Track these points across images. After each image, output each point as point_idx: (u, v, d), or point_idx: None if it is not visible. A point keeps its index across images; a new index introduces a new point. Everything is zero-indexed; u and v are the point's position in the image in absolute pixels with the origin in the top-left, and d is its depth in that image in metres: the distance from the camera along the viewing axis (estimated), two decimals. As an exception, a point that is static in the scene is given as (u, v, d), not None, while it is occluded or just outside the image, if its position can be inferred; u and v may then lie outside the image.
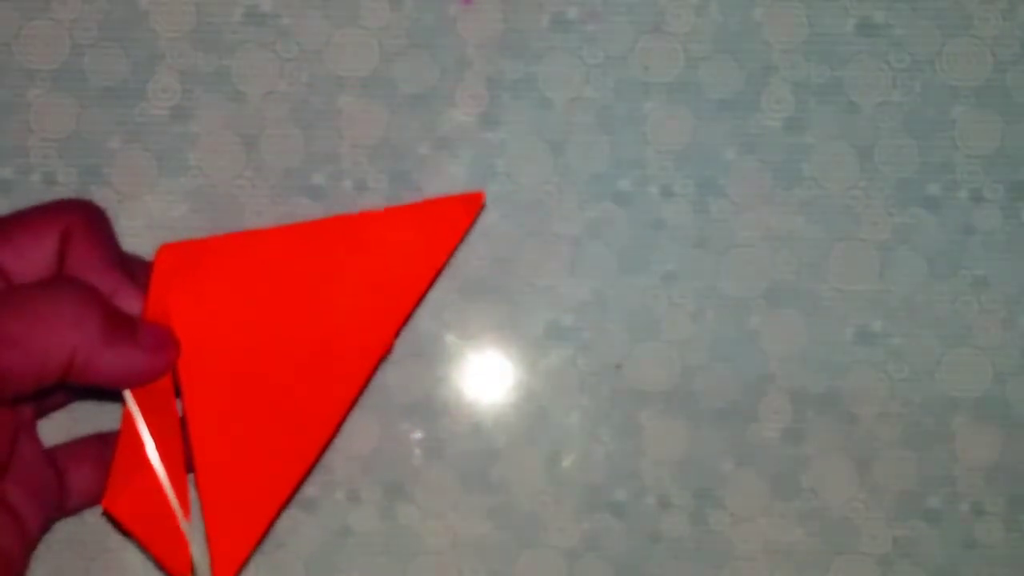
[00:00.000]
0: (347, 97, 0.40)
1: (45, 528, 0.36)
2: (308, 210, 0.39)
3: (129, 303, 0.35)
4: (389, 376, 0.39)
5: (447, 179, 0.39)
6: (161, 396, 0.35)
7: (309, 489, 0.39)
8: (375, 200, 0.39)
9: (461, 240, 0.37)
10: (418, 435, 0.39)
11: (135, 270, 0.36)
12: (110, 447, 0.36)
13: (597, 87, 0.40)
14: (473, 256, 0.39)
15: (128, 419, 0.35)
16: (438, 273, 0.36)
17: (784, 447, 0.39)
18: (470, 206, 0.36)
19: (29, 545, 0.35)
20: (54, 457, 0.36)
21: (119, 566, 0.39)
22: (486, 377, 0.39)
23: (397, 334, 0.36)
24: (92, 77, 0.39)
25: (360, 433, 0.39)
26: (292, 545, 0.39)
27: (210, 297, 0.35)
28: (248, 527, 0.35)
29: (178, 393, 0.35)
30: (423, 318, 0.39)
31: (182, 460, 0.35)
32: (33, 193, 0.39)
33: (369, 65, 0.40)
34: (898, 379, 0.39)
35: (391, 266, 0.36)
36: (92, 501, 0.37)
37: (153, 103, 0.39)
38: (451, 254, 0.37)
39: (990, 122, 0.40)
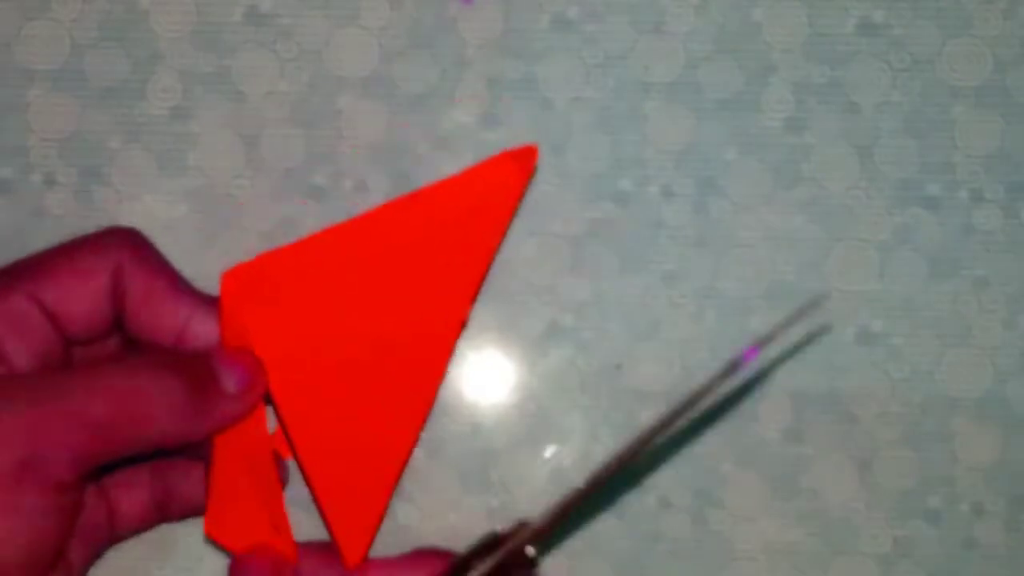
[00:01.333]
0: (347, 97, 0.40)
1: (92, 560, 0.35)
2: (308, 210, 0.39)
3: (206, 328, 0.34)
4: (389, 376, 0.39)
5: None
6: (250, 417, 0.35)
7: (308, 489, 0.39)
8: (375, 200, 0.39)
9: (521, 197, 0.36)
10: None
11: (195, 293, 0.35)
12: (155, 469, 0.36)
13: (597, 87, 0.40)
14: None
15: (220, 443, 0.35)
16: (503, 236, 0.36)
17: (784, 447, 0.39)
18: (525, 161, 0.35)
19: None
20: (104, 487, 0.36)
21: (121, 566, 0.39)
22: (486, 377, 0.39)
23: (472, 303, 0.36)
24: (92, 77, 0.39)
25: (360, 433, 0.39)
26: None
27: (284, 308, 0.35)
28: (367, 514, 0.35)
29: (268, 401, 0.35)
30: (423, 318, 0.39)
31: (276, 476, 0.35)
32: (33, 193, 0.39)
33: (369, 65, 0.40)
34: (898, 379, 0.39)
35: (455, 237, 0.35)
36: (144, 527, 0.36)
37: (153, 103, 0.39)
38: (513, 213, 0.36)
39: (990, 122, 0.40)
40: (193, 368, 0.33)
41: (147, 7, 0.40)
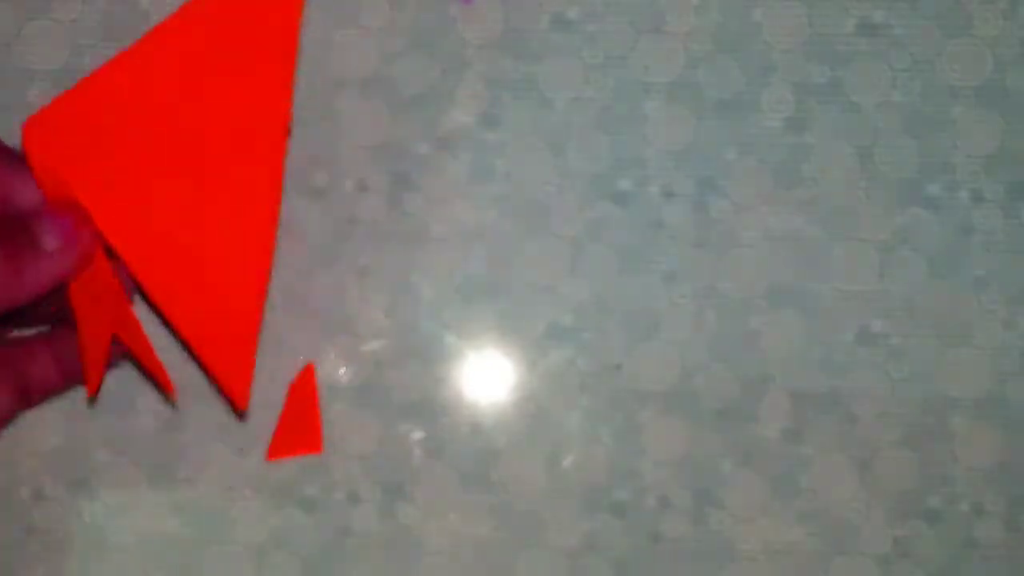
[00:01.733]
0: (347, 97, 0.40)
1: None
2: (308, 211, 0.39)
3: (29, 193, 0.33)
4: (389, 376, 0.39)
5: (447, 179, 0.39)
6: (95, 270, 0.33)
7: (308, 489, 0.39)
8: (376, 200, 0.39)
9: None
10: (418, 435, 0.39)
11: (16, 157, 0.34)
12: (59, 338, 0.36)
13: (597, 87, 0.40)
14: (473, 256, 0.39)
15: (78, 304, 0.34)
16: (299, 24, 0.33)
17: (784, 447, 0.39)
18: None
19: None
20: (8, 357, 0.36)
21: (119, 566, 0.39)
22: (486, 377, 0.39)
23: (290, 103, 0.34)
24: (92, 77, 0.39)
25: (360, 433, 0.39)
26: (292, 545, 0.39)
27: (97, 148, 0.33)
28: (242, 346, 0.34)
29: (109, 253, 0.34)
30: (423, 318, 0.39)
31: (137, 323, 0.34)
32: None
33: (369, 65, 0.40)
34: (898, 379, 0.39)
35: (252, 34, 0.33)
36: (55, 391, 0.37)
37: (153, 103, 0.39)
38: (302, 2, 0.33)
39: (990, 122, 0.40)
40: (7, 232, 0.32)
41: (147, 7, 0.40)
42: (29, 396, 0.36)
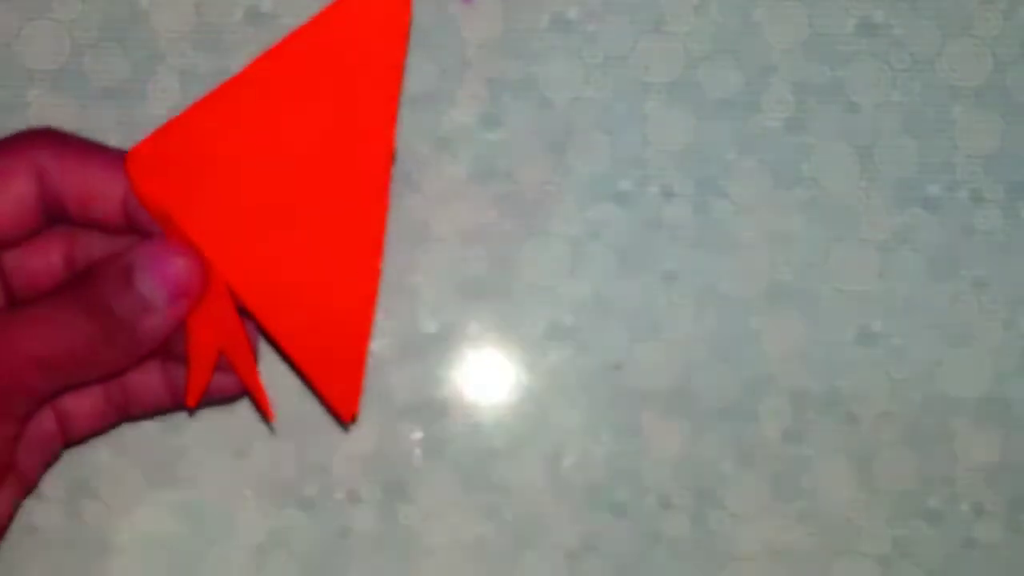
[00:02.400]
0: (347, 97, 0.40)
1: (46, 466, 0.36)
2: (308, 210, 0.39)
3: (112, 195, 0.33)
4: (389, 376, 0.39)
5: (447, 179, 0.39)
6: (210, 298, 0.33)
7: (308, 489, 0.39)
8: (375, 200, 0.39)
9: (410, 10, 0.33)
10: (418, 435, 0.39)
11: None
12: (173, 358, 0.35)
13: (597, 87, 0.40)
14: (473, 256, 0.39)
15: (192, 321, 0.34)
16: (405, 52, 0.33)
17: (784, 447, 0.39)
18: None
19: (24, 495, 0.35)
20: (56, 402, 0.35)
21: (119, 566, 0.39)
22: (486, 377, 0.39)
23: (394, 129, 0.33)
24: (92, 77, 0.39)
25: (360, 433, 0.39)
26: (292, 545, 0.39)
27: (203, 178, 0.33)
28: (350, 364, 0.34)
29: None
30: (423, 318, 0.39)
31: (247, 342, 0.34)
32: None
33: (369, 65, 0.40)
34: (898, 379, 0.39)
35: (356, 64, 0.32)
36: (101, 429, 0.36)
37: (153, 103, 0.39)
38: (408, 28, 0.33)
39: (990, 122, 0.40)
40: (118, 296, 0.32)
41: (147, 7, 0.40)
42: (127, 408, 0.36)
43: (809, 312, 0.39)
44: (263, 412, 0.35)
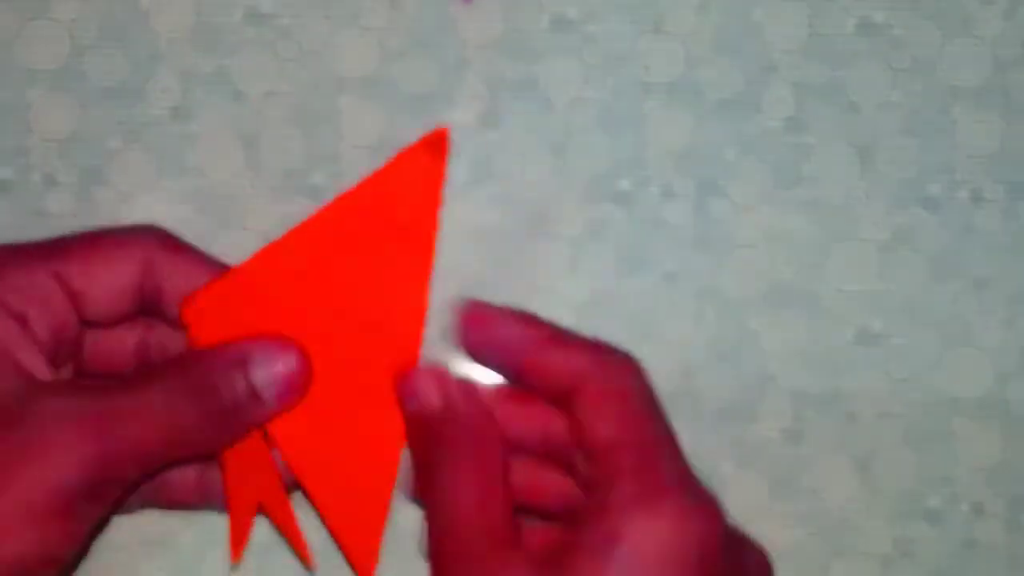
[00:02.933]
0: (347, 97, 0.40)
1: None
2: (308, 210, 0.39)
3: (181, 283, 0.34)
4: (389, 376, 0.39)
5: (447, 179, 0.39)
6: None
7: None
8: (375, 200, 0.39)
9: (444, 180, 0.36)
10: (418, 435, 0.39)
11: None
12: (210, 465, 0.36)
13: (597, 87, 0.40)
14: (473, 256, 0.39)
15: (230, 469, 0.35)
16: (437, 222, 0.35)
17: (784, 447, 0.39)
18: (438, 145, 0.35)
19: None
20: None
21: (119, 566, 0.39)
22: (486, 377, 0.39)
23: (428, 295, 0.36)
24: (92, 77, 0.39)
25: (360, 433, 0.39)
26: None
27: (248, 330, 0.35)
28: (371, 519, 0.36)
29: None
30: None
31: (285, 499, 0.36)
32: (33, 193, 0.39)
33: (369, 65, 0.40)
34: (898, 379, 0.39)
35: (393, 234, 0.35)
36: (191, 505, 0.37)
37: (153, 103, 0.39)
38: (441, 199, 0.35)
39: (990, 122, 0.40)
40: (230, 384, 0.33)
41: (147, 7, 0.40)
42: (155, 498, 0.36)
43: (809, 312, 0.39)
44: (303, 561, 0.37)
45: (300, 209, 0.39)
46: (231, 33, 0.40)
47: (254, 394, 0.33)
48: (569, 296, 0.39)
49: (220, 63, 0.39)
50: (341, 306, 0.35)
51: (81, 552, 0.33)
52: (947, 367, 0.39)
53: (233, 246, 0.39)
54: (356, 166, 0.39)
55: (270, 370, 0.34)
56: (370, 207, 0.35)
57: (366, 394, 0.35)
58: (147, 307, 0.35)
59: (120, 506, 0.35)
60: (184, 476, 0.36)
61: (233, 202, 0.39)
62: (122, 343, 0.36)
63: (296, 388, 0.34)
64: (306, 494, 0.36)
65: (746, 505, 0.39)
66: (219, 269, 0.35)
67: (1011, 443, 0.39)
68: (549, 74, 0.40)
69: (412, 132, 0.39)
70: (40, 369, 0.33)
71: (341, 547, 0.36)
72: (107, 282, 0.34)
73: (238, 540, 0.36)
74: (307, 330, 0.35)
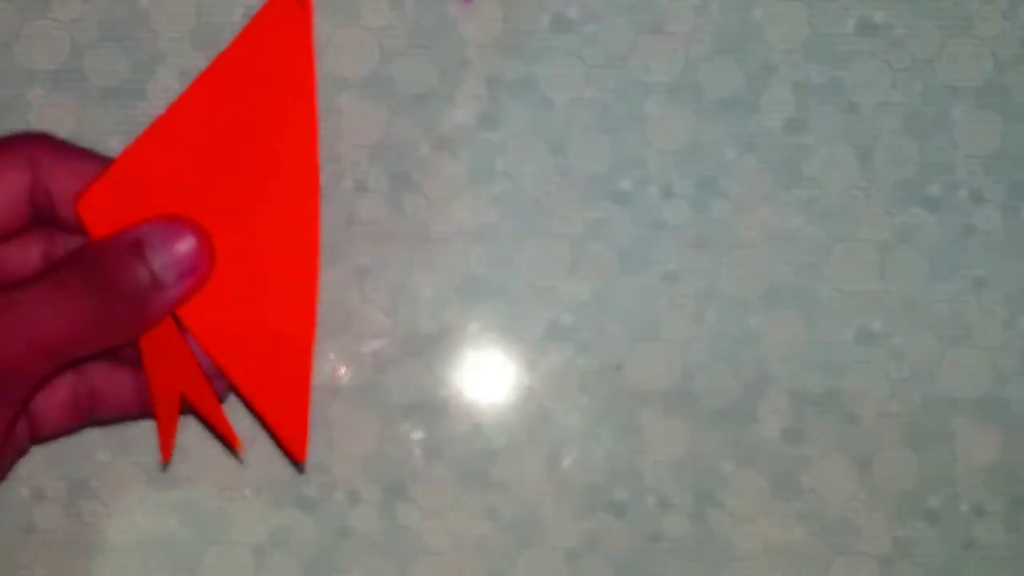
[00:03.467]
0: (347, 97, 0.40)
1: (5, 471, 0.35)
2: (308, 210, 0.39)
3: (64, 181, 0.33)
4: (389, 376, 0.39)
5: (447, 179, 0.39)
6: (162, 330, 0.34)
7: (308, 489, 0.39)
8: (375, 200, 0.39)
9: (311, 24, 0.34)
10: (418, 435, 0.39)
11: None
12: (78, 371, 0.35)
13: (597, 87, 0.40)
14: (473, 256, 0.39)
15: (149, 363, 0.34)
16: (314, 71, 0.34)
17: (784, 447, 0.39)
18: None
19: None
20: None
21: (119, 566, 0.39)
22: (486, 377, 0.39)
23: (316, 150, 0.34)
24: (92, 77, 0.39)
25: (360, 433, 0.39)
26: (292, 545, 0.39)
27: (147, 211, 0.33)
28: (296, 396, 0.34)
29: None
30: (423, 318, 0.39)
31: (205, 382, 0.34)
32: None
33: (369, 65, 0.40)
34: (898, 379, 0.39)
35: (270, 88, 0.33)
36: (67, 430, 0.36)
37: (153, 103, 0.39)
38: (312, 44, 0.33)
39: (990, 122, 0.40)
40: (126, 271, 0.32)
41: (147, 7, 0.40)
42: (93, 410, 0.36)
43: (809, 312, 0.39)
44: (231, 447, 0.35)
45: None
46: (232, 33, 0.39)
47: (154, 279, 0.32)
48: (569, 296, 0.39)
49: (220, 63, 0.39)
50: (233, 176, 0.33)
51: (2, 462, 0.32)
52: (947, 367, 0.40)
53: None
54: (356, 166, 0.39)
55: (168, 253, 0.32)
56: (242, 66, 0.33)
57: (272, 264, 0.33)
58: (41, 215, 0.34)
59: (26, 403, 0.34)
60: (121, 388, 0.35)
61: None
62: (26, 255, 0.35)
63: (197, 269, 0.33)
64: (227, 377, 0.34)
65: (746, 505, 0.39)
66: (107, 162, 0.34)
67: (1011, 443, 0.39)
68: (549, 74, 0.40)
69: (412, 132, 0.39)
70: None
71: (269, 427, 0.34)
72: None
73: (166, 436, 0.35)
74: (204, 207, 0.33)
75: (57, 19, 0.40)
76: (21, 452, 0.35)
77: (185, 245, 0.32)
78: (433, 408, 0.39)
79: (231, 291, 0.34)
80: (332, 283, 0.39)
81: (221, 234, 0.33)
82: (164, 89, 0.39)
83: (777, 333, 0.39)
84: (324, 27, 0.40)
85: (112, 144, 0.39)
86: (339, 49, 0.40)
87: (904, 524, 0.39)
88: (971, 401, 0.39)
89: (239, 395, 0.35)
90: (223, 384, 0.35)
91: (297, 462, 0.35)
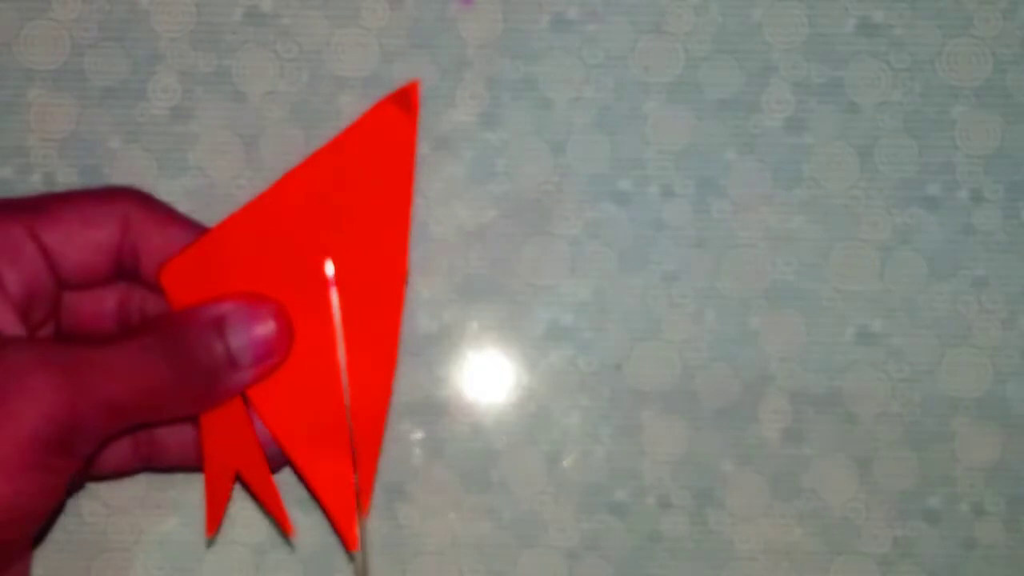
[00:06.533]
0: (347, 97, 0.40)
1: (61, 504, 0.36)
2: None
3: (154, 250, 0.34)
4: (389, 376, 0.39)
5: (447, 179, 0.39)
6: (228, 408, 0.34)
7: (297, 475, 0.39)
8: (375, 200, 0.39)
9: (416, 134, 0.34)
10: (418, 435, 0.39)
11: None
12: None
13: (597, 87, 0.40)
14: (473, 256, 0.39)
15: (207, 436, 0.34)
16: (412, 179, 0.34)
17: (784, 447, 0.39)
18: (409, 98, 0.34)
19: None
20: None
21: (119, 566, 0.39)
22: (486, 377, 0.39)
23: (407, 253, 0.35)
24: (92, 77, 0.39)
25: (360, 433, 0.39)
26: (291, 545, 0.39)
27: (229, 285, 0.34)
28: (352, 485, 0.35)
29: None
30: (423, 318, 0.39)
31: (264, 465, 0.35)
32: (33, 193, 0.39)
33: (369, 65, 0.40)
34: (898, 379, 0.39)
35: (366, 192, 0.34)
36: (123, 474, 0.36)
37: (153, 103, 0.39)
38: (414, 153, 0.34)
39: (990, 122, 0.40)
40: (206, 347, 0.32)
41: (147, 7, 0.40)
42: (151, 459, 0.36)
43: (809, 312, 0.39)
44: (283, 528, 0.35)
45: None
46: (231, 33, 0.40)
47: (230, 359, 0.33)
48: (569, 296, 0.39)
49: (220, 63, 0.39)
50: (320, 266, 0.34)
51: (56, 506, 0.32)
52: (947, 367, 0.40)
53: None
54: (356, 166, 0.39)
55: (248, 334, 0.33)
56: (343, 163, 0.34)
57: (350, 354, 0.34)
58: (125, 269, 0.34)
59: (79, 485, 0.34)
60: (182, 438, 0.36)
61: (233, 202, 0.39)
62: (102, 305, 0.35)
63: (274, 352, 0.33)
64: (288, 459, 0.35)
65: (746, 505, 0.39)
66: (197, 230, 0.35)
67: (1011, 443, 0.39)
68: (549, 74, 0.40)
69: (412, 132, 0.39)
70: (10, 325, 0.32)
71: (326, 511, 0.35)
72: (83, 241, 0.33)
73: (215, 511, 0.35)
74: (287, 291, 0.34)
75: (57, 19, 0.40)
76: (75, 489, 0.36)
77: (265, 328, 0.33)
78: (433, 408, 0.39)
79: (304, 374, 0.34)
80: (332, 283, 0.39)
81: (301, 317, 0.34)
82: (164, 89, 0.39)
83: (777, 333, 0.39)
84: (324, 27, 0.40)
85: (112, 144, 0.39)
86: (339, 49, 0.40)
87: (904, 524, 0.39)
88: (971, 401, 0.39)
89: (298, 475, 0.35)
90: (280, 459, 0.35)
91: (349, 551, 0.35)
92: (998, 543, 0.39)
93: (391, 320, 0.34)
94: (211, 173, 0.39)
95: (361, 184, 0.34)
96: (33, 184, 0.39)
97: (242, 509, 0.39)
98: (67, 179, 0.39)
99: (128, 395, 0.31)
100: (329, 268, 0.34)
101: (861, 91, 0.40)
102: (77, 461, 0.32)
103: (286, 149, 0.39)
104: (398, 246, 0.34)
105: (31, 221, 0.33)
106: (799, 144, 0.40)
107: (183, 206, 0.39)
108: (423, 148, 0.39)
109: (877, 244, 0.40)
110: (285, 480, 0.39)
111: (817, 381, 0.39)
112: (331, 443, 0.34)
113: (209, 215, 0.39)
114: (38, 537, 0.38)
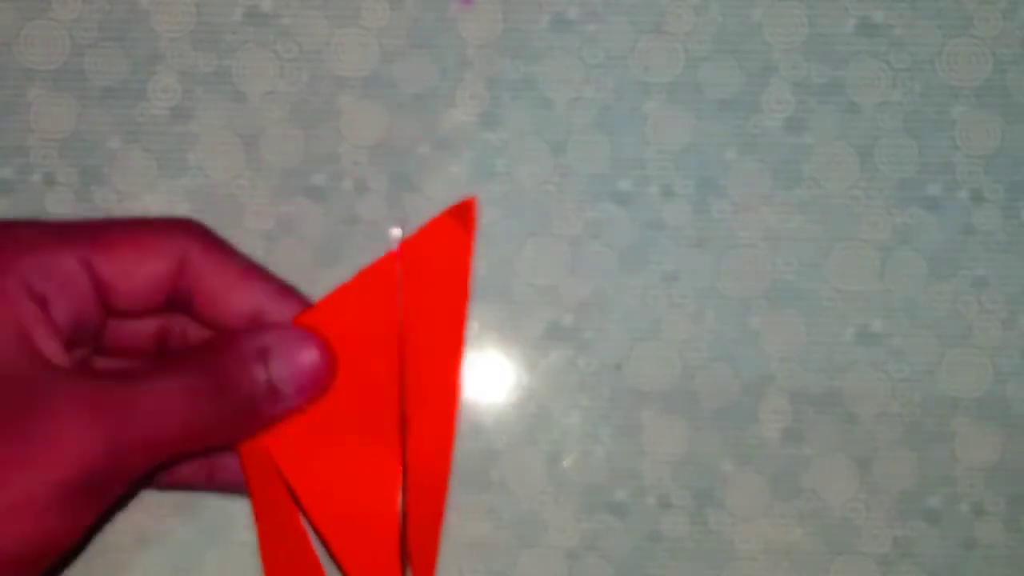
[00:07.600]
0: (347, 97, 0.40)
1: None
2: (308, 210, 0.39)
3: (279, 315, 0.33)
4: (389, 376, 0.39)
5: (447, 179, 0.39)
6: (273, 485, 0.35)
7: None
8: (376, 200, 0.39)
9: (473, 247, 0.36)
10: (418, 435, 0.39)
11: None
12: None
13: (597, 87, 0.40)
14: (473, 256, 0.39)
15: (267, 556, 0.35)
16: (468, 289, 0.35)
17: (784, 447, 0.39)
18: (466, 213, 0.35)
19: None
20: None
21: (119, 566, 0.39)
22: (486, 377, 0.39)
23: (462, 361, 0.36)
24: (92, 77, 0.39)
25: (360, 433, 0.39)
26: (292, 545, 0.39)
27: None
28: (385, 561, 0.35)
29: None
30: (423, 318, 0.39)
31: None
32: (33, 193, 0.39)
33: (369, 65, 0.40)
34: (898, 379, 0.39)
35: (425, 300, 0.35)
36: (183, 487, 0.37)
37: (153, 103, 0.39)
38: (471, 265, 0.35)
39: (990, 122, 0.40)
40: (249, 378, 0.32)
41: (147, 7, 0.40)
42: (211, 481, 0.36)
43: (809, 312, 0.39)
44: None
45: (300, 209, 0.39)
46: (231, 33, 0.40)
47: (271, 388, 0.33)
48: (569, 296, 0.39)
49: (220, 63, 0.39)
50: (376, 373, 0.34)
51: (82, 542, 0.32)
52: (947, 367, 0.40)
53: (233, 246, 0.39)
54: (356, 166, 0.39)
55: (291, 364, 0.33)
56: (406, 270, 0.35)
57: (380, 438, 0.34)
58: (176, 302, 0.34)
59: (126, 499, 0.34)
60: (193, 461, 0.36)
61: (233, 202, 0.39)
62: (143, 328, 0.35)
63: (317, 384, 0.33)
64: (331, 554, 0.35)
65: (746, 505, 0.39)
66: (254, 270, 0.34)
67: (1011, 443, 0.39)
68: (549, 74, 0.40)
69: (412, 132, 0.39)
70: (56, 354, 0.31)
71: None
72: (137, 276, 0.33)
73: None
74: (339, 388, 0.34)
75: (57, 19, 0.40)
76: (122, 505, 0.36)
77: (310, 359, 0.33)
78: (433, 408, 0.39)
79: (359, 485, 0.34)
80: (332, 284, 0.39)
81: (354, 427, 0.34)
82: (164, 89, 0.39)
83: (777, 333, 0.39)
84: (324, 27, 0.40)
85: (112, 144, 0.39)
86: (339, 49, 0.40)
87: (904, 524, 0.39)
88: (971, 401, 0.39)
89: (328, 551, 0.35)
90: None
91: None
92: (998, 543, 0.39)
93: (446, 431, 0.35)
94: (211, 173, 0.39)
95: (421, 292, 0.35)
96: (33, 184, 0.39)
97: (244, 509, 0.39)
98: (67, 179, 0.39)
99: (167, 433, 0.31)
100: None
101: (861, 91, 0.40)
102: (107, 501, 0.31)
103: (286, 149, 0.39)
104: (454, 354, 0.35)
105: (86, 250, 0.32)
106: (799, 144, 0.40)
107: (183, 206, 0.39)
108: (423, 148, 0.39)
109: (877, 244, 0.40)
110: None
111: (817, 381, 0.39)
112: (384, 553, 0.35)
113: (209, 215, 0.39)
114: (59, 565, 0.38)
